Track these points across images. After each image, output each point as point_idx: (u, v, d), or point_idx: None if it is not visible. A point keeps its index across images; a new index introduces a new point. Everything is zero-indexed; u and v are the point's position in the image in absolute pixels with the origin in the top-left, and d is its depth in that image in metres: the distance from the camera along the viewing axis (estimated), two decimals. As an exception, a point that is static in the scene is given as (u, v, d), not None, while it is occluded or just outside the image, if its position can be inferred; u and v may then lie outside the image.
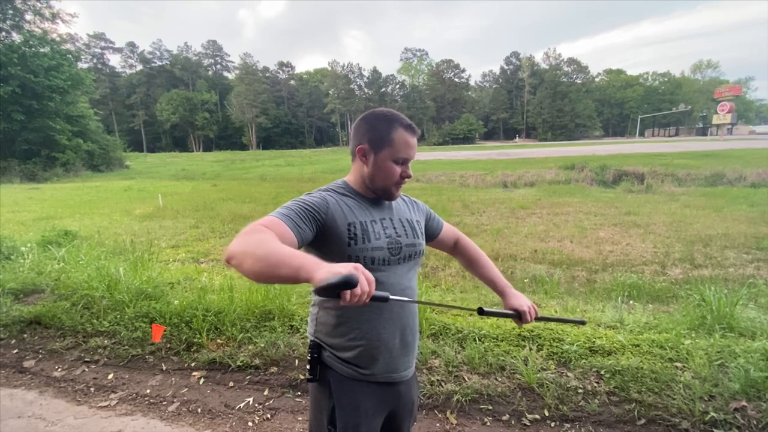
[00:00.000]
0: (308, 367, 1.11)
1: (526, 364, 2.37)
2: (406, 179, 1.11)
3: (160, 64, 76.57)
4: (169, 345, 2.80)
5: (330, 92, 77.81)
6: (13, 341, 3.05)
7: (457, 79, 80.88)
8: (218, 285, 3.68)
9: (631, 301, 3.60)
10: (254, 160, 34.51)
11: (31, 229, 7.53)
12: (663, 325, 2.90)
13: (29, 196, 14.44)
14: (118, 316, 3.10)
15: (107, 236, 6.84)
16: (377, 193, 1.12)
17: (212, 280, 3.97)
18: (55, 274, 4.08)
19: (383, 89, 79.39)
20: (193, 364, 2.65)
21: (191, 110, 68.51)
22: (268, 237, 0.83)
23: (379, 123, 1.09)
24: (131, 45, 75.49)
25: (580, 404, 2.14)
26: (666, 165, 17.00)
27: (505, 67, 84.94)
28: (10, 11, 25.40)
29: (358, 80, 79.24)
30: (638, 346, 2.54)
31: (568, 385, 2.24)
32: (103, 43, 71.19)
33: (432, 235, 1.33)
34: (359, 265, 0.75)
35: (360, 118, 1.13)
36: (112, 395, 2.43)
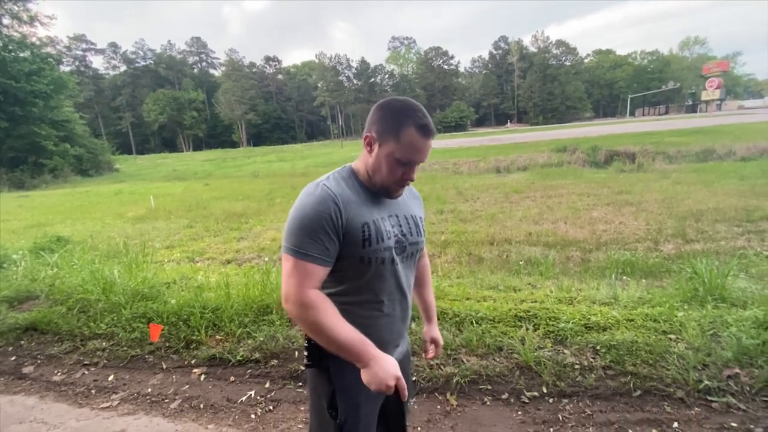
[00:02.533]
0: (306, 353, 1.10)
1: (523, 344, 2.40)
2: (408, 182, 1.06)
3: (144, 64, 75.28)
4: (168, 344, 2.80)
5: (319, 85, 77.10)
6: (11, 348, 3.03)
7: (446, 66, 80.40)
8: (215, 282, 3.67)
9: (624, 278, 3.65)
10: (245, 158, 34.22)
11: (22, 237, 7.45)
12: (656, 300, 2.94)
13: (19, 204, 14.26)
14: (115, 318, 3.09)
15: (100, 240, 6.78)
16: (376, 188, 1.06)
17: (208, 278, 3.95)
18: (49, 280, 4.04)
19: (372, 79, 78.75)
20: (193, 361, 2.65)
21: (179, 110, 67.61)
22: (324, 318, 0.95)
23: (392, 115, 1.00)
24: (113, 46, 74.07)
25: (577, 379, 2.17)
26: (657, 143, 17.09)
27: (494, 52, 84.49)
28: (-14, 16, 24.76)
29: (346, 71, 78.53)
30: (632, 320, 2.58)
31: (565, 362, 2.28)
32: (84, 45, 69.74)
33: None
34: (399, 374, 0.97)
35: (377, 104, 1.06)
36: (114, 396, 2.44)
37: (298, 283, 0.94)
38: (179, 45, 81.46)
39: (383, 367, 0.94)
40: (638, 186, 9.53)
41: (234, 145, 70.62)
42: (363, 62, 78.23)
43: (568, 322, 2.57)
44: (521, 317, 2.69)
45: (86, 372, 2.70)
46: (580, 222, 6.55)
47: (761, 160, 12.55)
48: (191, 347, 2.75)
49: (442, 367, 2.34)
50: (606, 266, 4.18)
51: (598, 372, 2.19)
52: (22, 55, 24.63)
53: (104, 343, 2.92)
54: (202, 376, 2.52)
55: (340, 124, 72.65)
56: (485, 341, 2.47)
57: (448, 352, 2.44)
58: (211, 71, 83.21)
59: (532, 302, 3.01)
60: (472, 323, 2.65)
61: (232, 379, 2.48)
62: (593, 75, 78.53)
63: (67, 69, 54.00)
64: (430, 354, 1.35)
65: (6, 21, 25.69)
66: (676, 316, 2.59)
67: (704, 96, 52.65)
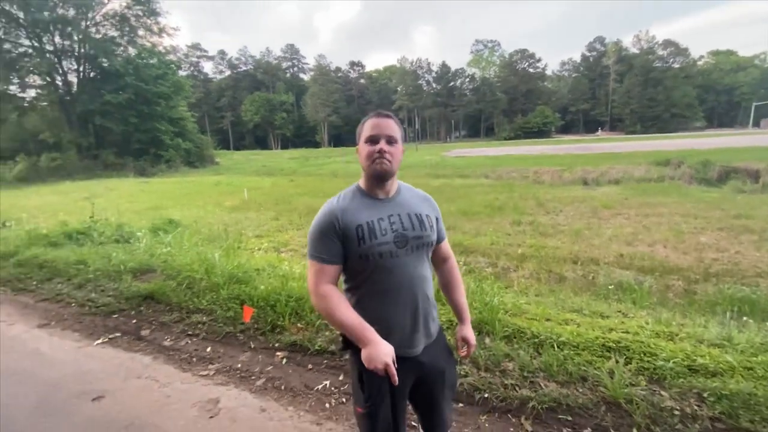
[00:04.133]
0: (341, 339, 1.33)
1: (611, 377, 2.21)
2: (385, 152, 1.22)
3: (245, 69, 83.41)
4: (256, 325, 3.09)
5: (398, 89, 78.32)
6: (133, 312, 3.59)
7: (531, 69, 76.31)
8: (298, 273, 3.95)
9: (744, 318, 3.14)
10: (326, 157, 36.11)
11: (143, 217, 8.74)
12: (785, 349, 2.49)
13: (141, 189, 16.76)
14: (214, 297, 3.49)
15: (203, 225, 7.69)
16: (374, 179, 1.26)
17: (292, 268, 4.27)
18: (164, 257, 4.70)
19: (452, 83, 77.81)
20: (276, 345, 2.89)
21: (271, 111, 73.75)
22: (333, 306, 1.20)
23: (360, 125, 1.30)
24: (221, 53, 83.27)
25: (677, 427, 1.93)
26: (791, 160, 14.36)
27: (587, 54, 78.07)
28: (127, 28, 29.51)
29: (426, 75, 78.63)
30: (751, 369, 2.22)
31: (663, 405, 2.04)
32: (198, 53, 79.51)
33: None
34: (389, 361, 1.12)
35: None
36: (210, 366, 2.76)
37: (315, 279, 1.23)
38: (276, 51, 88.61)
39: (377, 350, 1.13)
40: (762, 210, 8.11)
41: (317, 145, 74.99)
42: (443, 66, 77.66)
43: (668, 360, 2.30)
44: (610, 347, 2.47)
45: (189, 341, 3.09)
46: (684, 247, 5.78)
47: None
48: (276, 331, 3.00)
49: (517, 388, 2.25)
50: (717, 301, 3.64)
51: (704, 423, 1.93)
52: (151, 61, 28.91)
53: (204, 318, 3.31)
54: (284, 360, 2.74)
55: (416, 127, 73.01)
56: (567, 368, 2.31)
57: (525, 374, 2.33)
58: (301, 75, 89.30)
59: (623, 332, 2.75)
60: (552, 347, 2.50)
61: (310, 366, 2.65)
62: (708, 79, 68.48)
63: (184, 73, 62.01)
64: (462, 353, 1.48)
65: (141, 32, 30.35)
66: (813, 372, 2.17)
67: None
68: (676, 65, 67.53)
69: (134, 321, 3.46)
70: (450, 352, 1.48)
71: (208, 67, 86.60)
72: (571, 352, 2.44)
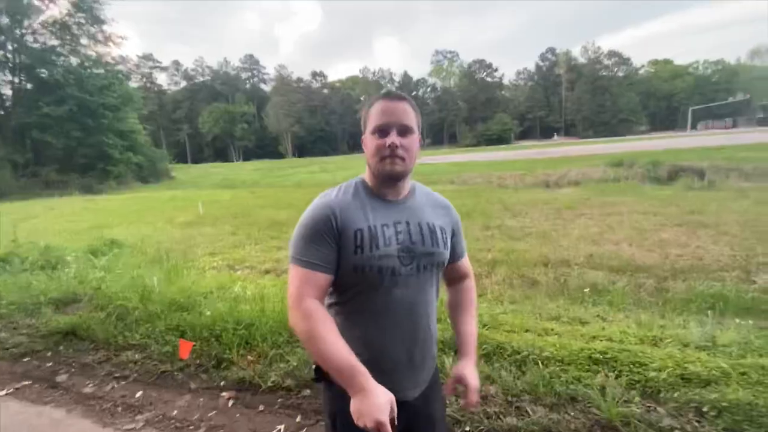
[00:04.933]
0: (314, 367, 1.02)
1: (603, 395, 1.97)
2: (398, 148, 0.95)
3: (202, 80, 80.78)
4: (198, 361, 2.64)
5: (362, 99, 78.63)
6: (50, 353, 3.01)
7: (489, 79, 79.29)
8: (251, 294, 3.51)
9: (721, 317, 3.05)
10: (290, 168, 35.27)
11: (82, 238, 7.87)
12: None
13: (85, 207, 15.40)
14: (150, 329, 2.99)
15: (150, 244, 6.99)
16: (382, 180, 1.00)
17: (246, 289, 3.81)
18: (96, 283, 4.10)
19: (414, 93, 79.13)
20: (222, 383, 2.46)
21: (231, 122, 71.65)
22: (319, 332, 0.89)
23: (364, 108, 1.03)
24: (176, 63, 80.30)
25: (681, 450, 1.72)
26: (728, 159, 15.46)
27: (541, 64, 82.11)
28: (68, 37, 27.57)
29: (389, 85, 79.53)
30: (745, 374, 2.06)
31: (661, 424, 1.82)
32: (151, 63, 76.15)
33: (450, 257, 1.13)
34: (384, 419, 0.81)
35: None
36: (139, 417, 2.28)
37: (297, 290, 0.93)
38: (234, 62, 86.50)
39: (369, 404, 0.83)
40: (712, 205, 8.48)
41: (280, 156, 73.40)
42: (405, 76, 79.07)
43: (660, 370, 2.10)
44: (597, 360, 2.25)
45: (116, 385, 2.58)
46: (648, 244, 5.83)
47: None
48: (221, 366, 2.56)
49: (501, 417, 1.96)
50: (690, 299, 3.57)
51: (709, 443, 1.72)
52: (96, 71, 27.11)
53: (137, 355, 2.81)
54: (231, 402, 2.31)
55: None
56: (554, 388, 2.06)
57: (509, 398, 2.06)
58: (262, 86, 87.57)
59: (607, 340, 2.55)
60: (536, 363, 2.25)
61: (261, 408, 2.25)
62: (649, 86, 73.86)
63: (135, 85, 58.97)
64: (462, 401, 1.13)
65: (84, 41, 28.43)
66: (804, 372, 2.04)
67: (782, 108, 47.58)
68: (621, 74, 72.45)
69: (49, 364, 2.89)
70: (444, 399, 1.22)
71: (162, 78, 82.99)
72: (557, 369, 2.20)
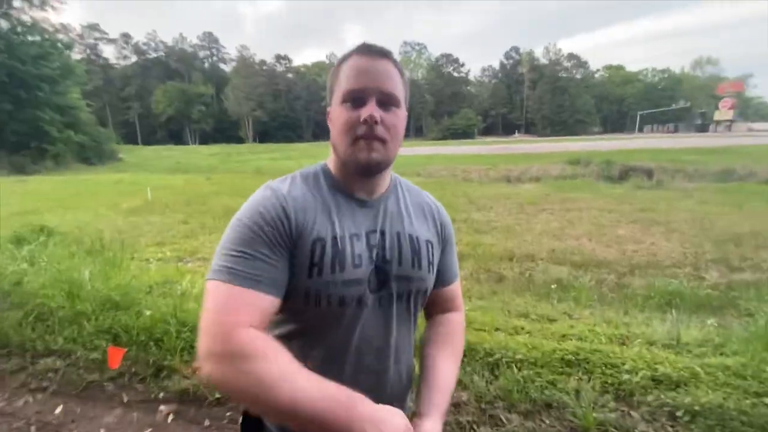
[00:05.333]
0: (241, 420, 0.78)
1: (578, 400, 1.89)
2: (377, 125, 0.66)
3: (155, 55, 75.34)
4: (133, 369, 2.30)
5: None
6: (-49, 362, 2.53)
7: (456, 74, 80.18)
8: (199, 290, 3.17)
9: (678, 312, 3.11)
10: (251, 153, 33.88)
11: (8, 225, 6.97)
12: (729, 345, 2.42)
13: (14, 190, 13.82)
14: (76, 331, 2.59)
15: (87, 232, 6.30)
16: (354, 171, 0.71)
17: (194, 284, 3.45)
18: (16, 278, 3.56)
19: (382, 83, 78.46)
20: (161, 395, 2.14)
21: (187, 103, 67.51)
22: (276, 377, 0.55)
23: (334, 67, 0.73)
24: (125, 36, 74.22)
25: (657, 458, 1.66)
26: (673, 160, 16.56)
27: (505, 62, 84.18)
28: (-3, -2, 24.51)
29: (356, 74, 78.30)
30: (711, 374, 2.06)
31: (636, 430, 1.76)
32: (97, 34, 69.81)
33: (436, 281, 0.81)
34: None
35: None
36: (57, 437, 1.93)
37: (223, 318, 0.58)
38: (191, 39, 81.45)
39: (388, 426, 0.54)
40: (661, 204, 8.99)
41: (240, 141, 70.26)
42: (373, 65, 78.05)
43: (632, 372, 2.05)
44: (570, 362, 2.17)
45: (31, 400, 2.19)
46: (607, 240, 6.03)
47: (788, 183, 11.97)
48: (161, 376, 2.24)
49: (475, 426, 1.83)
50: (649, 295, 3.66)
51: (684, 450, 1.67)
52: (31, 38, 24.36)
53: (58, 362, 2.41)
54: (170, 417, 2.01)
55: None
56: (529, 393, 1.95)
57: (482, 405, 1.92)
58: (222, 66, 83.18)
59: (577, 340, 2.50)
60: (509, 366, 2.14)
61: (206, 423, 1.97)
62: (603, 90, 78.05)
63: (79, 57, 53.87)
64: None
65: (17, 4, 25.40)
66: (765, 372, 2.07)
67: (717, 116, 52.10)
68: (579, 76, 75.90)
69: (-51, 375, 2.43)
70: None
71: (109, 51, 76.68)
72: (531, 372, 2.09)
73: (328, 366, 0.69)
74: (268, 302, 0.63)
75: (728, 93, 51.18)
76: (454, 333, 0.84)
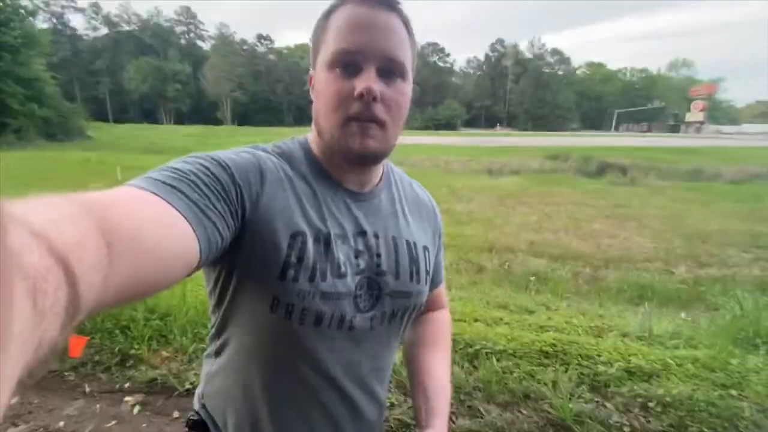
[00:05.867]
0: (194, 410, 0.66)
1: (555, 390, 1.91)
2: (379, 108, 0.52)
3: (128, 29, 71.57)
4: (97, 358, 2.17)
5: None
6: None
7: (441, 63, 79.89)
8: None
9: (650, 305, 3.21)
10: (229, 136, 32.83)
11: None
12: (698, 338, 2.51)
13: (-30, 164, 12.95)
14: (35, 317, 2.43)
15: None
16: (343, 160, 0.57)
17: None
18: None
19: (366, 69, 77.47)
20: (126, 385, 2.03)
21: (162, 81, 64.64)
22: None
23: (319, 18, 0.57)
24: (95, 6, 70.02)
25: (630, 449, 1.69)
26: (648, 159, 17.10)
27: (490, 54, 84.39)
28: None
29: (340, 58, 76.92)
30: (681, 366, 2.12)
31: (611, 421, 1.78)
32: (63, 2, 65.58)
33: None
34: None
35: None
36: (12, 430, 1.80)
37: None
38: (167, 13, 77.67)
39: None
40: (635, 200, 9.27)
41: (218, 122, 68.20)
42: (358, 50, 76.82)
43: (608, 364, 2.09)
44: (548, 353, 2.19)
45: (-18, 389, 2.04)
46: (583, 234, 6.17)
47: (752, 183, 12.58)
48: (126, 365, 2.13)
49: (454, 418, 1.81)
50: (622, 288, 3.76)
51: (656, 440, 1.71)
52: (-11, 3, 22.64)
53: (14, 350, 2.26)
54: (136, 408, 1.91)
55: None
56: (507, 384, 1.95)
57: (461, 396, 1.91)
58: (200, 44, 79.94)
59: (554, 331, 2.53)
60: (488, 358, 2.13)
61: (175, 414, 1.88)
62: (584, 86, 79.57)
63: (44, 26, 50.55)
64: None
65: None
66: (731, 364, 2.15)
67: (688, 117, 54.06)
68: (561, 72, 77.03)
69: None
70: None
71: (77, 21, 72.24)
72: (510, 363, 2.10)
73: (293, 400, 0.57)
74: (181, 233, 0.40)
75: (700, 95, 53.12)
76: (442, 331, 0.75)
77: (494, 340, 2.26)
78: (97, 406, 1.93)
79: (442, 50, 79.77)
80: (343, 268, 0.55)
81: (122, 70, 64.36)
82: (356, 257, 0.57)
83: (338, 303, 0.55)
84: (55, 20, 64.35)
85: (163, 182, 0.41)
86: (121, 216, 0.32)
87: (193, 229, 0.39)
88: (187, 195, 0.41)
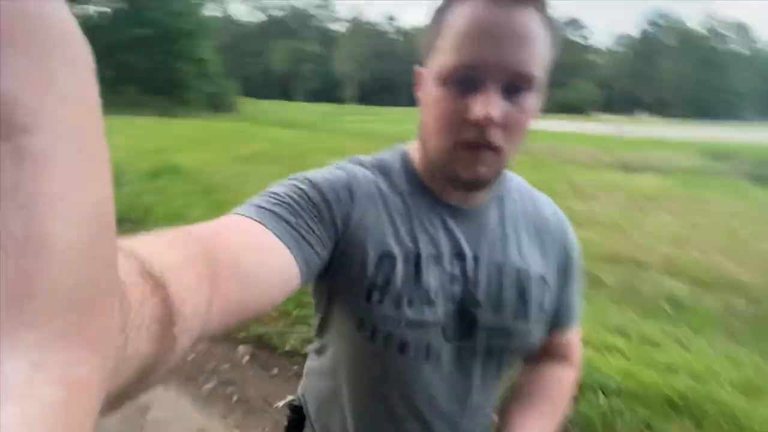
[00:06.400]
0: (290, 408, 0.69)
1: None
2: (495, 134, 0.44)
3: (281, 14, 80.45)
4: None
5: (434, 49, 74.54)
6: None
7: (578, 39, 70.90)
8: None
9: None
10: (350, 115, 34.92)
11: (148, 159, 8.28)
12: None
13: (156, 131, 16.37)
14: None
15: (205, 174, 7.17)
16: (448, 183, 0.53)
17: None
18: (147, 207, 4.20)
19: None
20: (241, 335, 2.35)
21: (299, 61, 71.69)
22: None
23: (432, 17, 0.51)
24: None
25: None
26: None
27: (648, 29, 71.51)
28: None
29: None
30: None
31: None
32: (228, -8, 76.59)
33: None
34: None
35: None
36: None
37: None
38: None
39: None
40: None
41: (340, 101, 73.05)
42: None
43: (763, 437, 1.64)
44: (675, 403, 1.81)
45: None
46: (744, 256, 4.92)
47: None
48: (243, 318, 2.46)
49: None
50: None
51: None
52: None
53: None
54: (246, 357, 2.20)
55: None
56: (615, 429, 1.68)
57: None
58: (333, 26, 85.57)
59: (688, 376, 2.08)
60: (593, 391, 1.86)
61: (275, 371, 2.11)
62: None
63: (210, 14, 60.07)
64: None
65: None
66: None
67: None
68: (746, 51, 61.38)
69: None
70: None
71: (237, 9, 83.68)
72: (622, 404, 1.80)
73: (377, 427, 0.56)
74: (282, 266, 0.43)
75: None
76: (550, 391, 0.62)
77: (605, 372, 1.96)
78: (218, 349, 2.28)
79: (581, 26, 70.58)
80: (433, 295, 0.51)
81: (267, 52, 73.11)
82: (451, 283, 0.52)
83: (425, 332, 0.52)
84: (221, 9, 75.75)
85: (264, 208, 0.44)
86: (223, 243, 0.34)
87: (292, 252, 0.42)
88: (286, 219, 0.44)
